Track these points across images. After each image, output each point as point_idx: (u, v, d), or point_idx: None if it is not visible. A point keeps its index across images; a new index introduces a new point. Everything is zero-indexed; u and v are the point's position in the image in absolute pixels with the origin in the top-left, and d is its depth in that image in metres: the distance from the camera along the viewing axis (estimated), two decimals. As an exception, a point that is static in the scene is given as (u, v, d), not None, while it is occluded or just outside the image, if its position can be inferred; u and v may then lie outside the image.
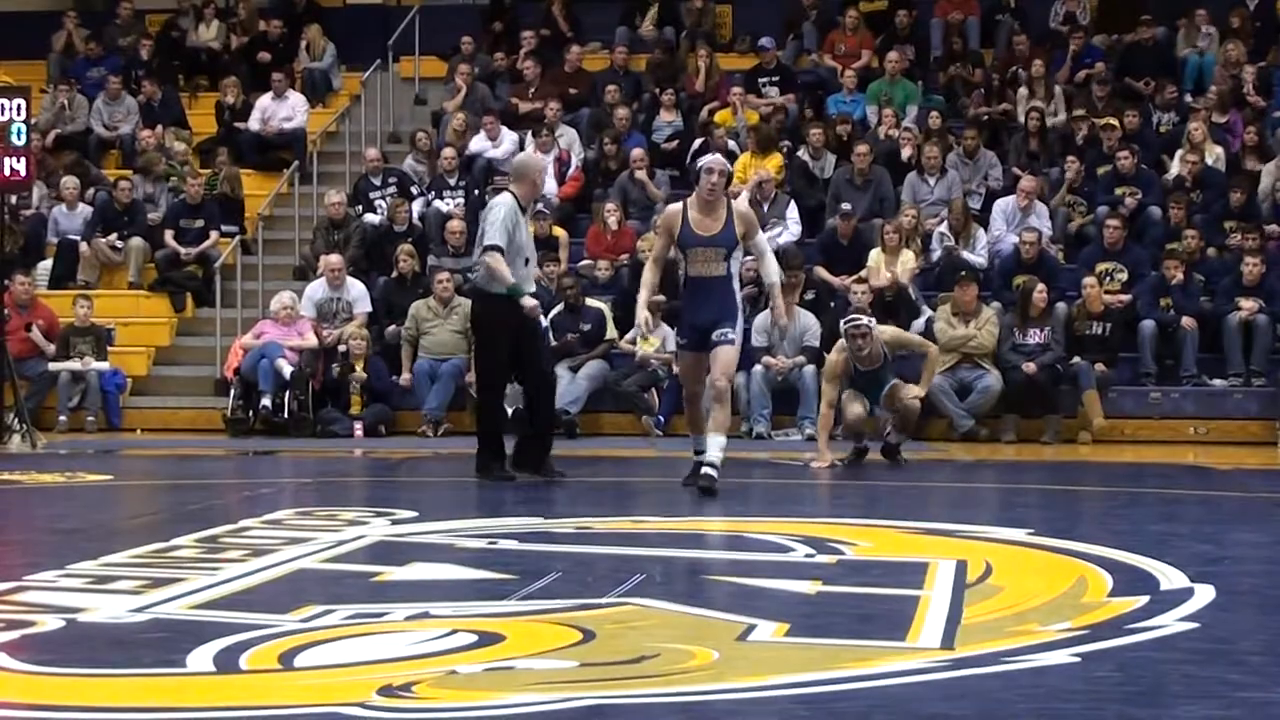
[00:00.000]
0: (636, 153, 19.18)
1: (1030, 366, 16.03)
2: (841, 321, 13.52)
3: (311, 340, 17.21)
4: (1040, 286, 16.38)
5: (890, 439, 13.64)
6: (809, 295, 17.13)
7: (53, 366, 17.43)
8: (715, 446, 10.66)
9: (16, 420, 15.51)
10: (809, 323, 16.56)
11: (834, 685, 5.19)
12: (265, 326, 17.46)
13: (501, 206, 11.62)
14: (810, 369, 16.14)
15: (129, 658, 5.64)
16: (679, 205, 11.03)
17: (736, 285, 10.95)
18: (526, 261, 11.79)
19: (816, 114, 20.54)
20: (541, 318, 11.95)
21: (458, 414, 16.87)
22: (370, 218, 19.35)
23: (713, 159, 11.08)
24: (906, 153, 19.13)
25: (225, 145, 21.17)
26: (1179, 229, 17.55)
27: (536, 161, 12.14)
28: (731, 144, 19.65)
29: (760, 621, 6.15)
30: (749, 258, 12.21)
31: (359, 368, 16.89)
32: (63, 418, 17.29)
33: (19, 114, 15.42)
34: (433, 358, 16.90)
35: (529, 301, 11.47)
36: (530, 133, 19.95)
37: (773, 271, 11.25)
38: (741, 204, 10.97)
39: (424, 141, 20.47)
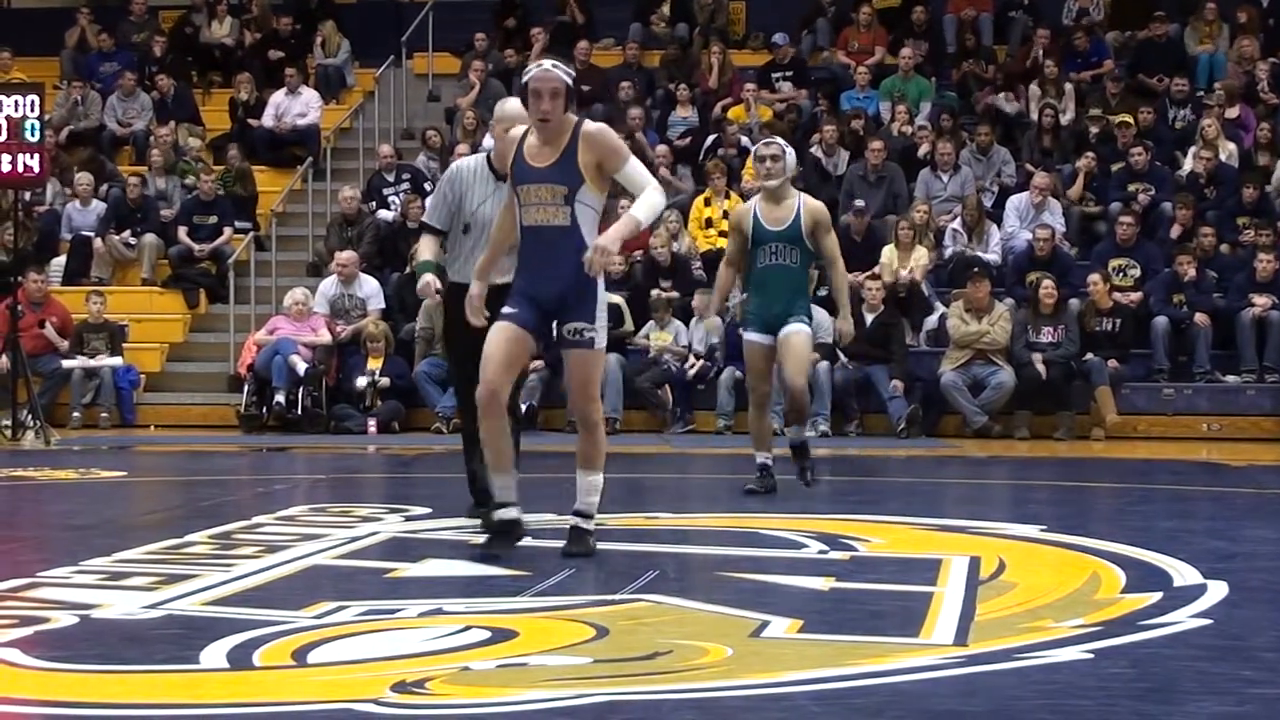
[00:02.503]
0: (661, 149, 19.22)
1: (1039, 358, 16.02)
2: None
3: (325, 336, 17.23)
4: (1047, 284, 16.37)
5: (789, 435, 11.09)
6: (821, 292, 17.11)
7: (66, 364, 17.45)
8: (588, 488, 7.84)
9: (30, 417, 15.54)
10: (822, 319, 16.53)
11: (847, 682, 5.18)
12: (279, 322, 17.48)
13: (447, 172, 9.08)
14: (824, 365, 16.16)
15: (142, 654, 5.64)
16: (520, 129, 7.82)
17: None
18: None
19: (830, 110, 20.54)
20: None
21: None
22: (384, 214, 19.38)
23: (541, 73, 7.52)
24: (924, 149, 19.11)
25: (237, 142, 21.20)
26: (1189, 230, 17.52)
27: (505, 109, 8.60)
28: (744, 139, 19.67)
29: (773, 618, 6.15)
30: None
31: (378, 366, 16.89)
32: (76, 414, 17.32)
33: (32, 110, 15.44)
34: (443, 359, 16.93)
35: (425, 279, 8.64)
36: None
37: (641, 207, 7.53)
38: (595, 128, 7.62)
39: (434, 139, 20.49)
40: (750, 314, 10.66)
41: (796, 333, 10.38)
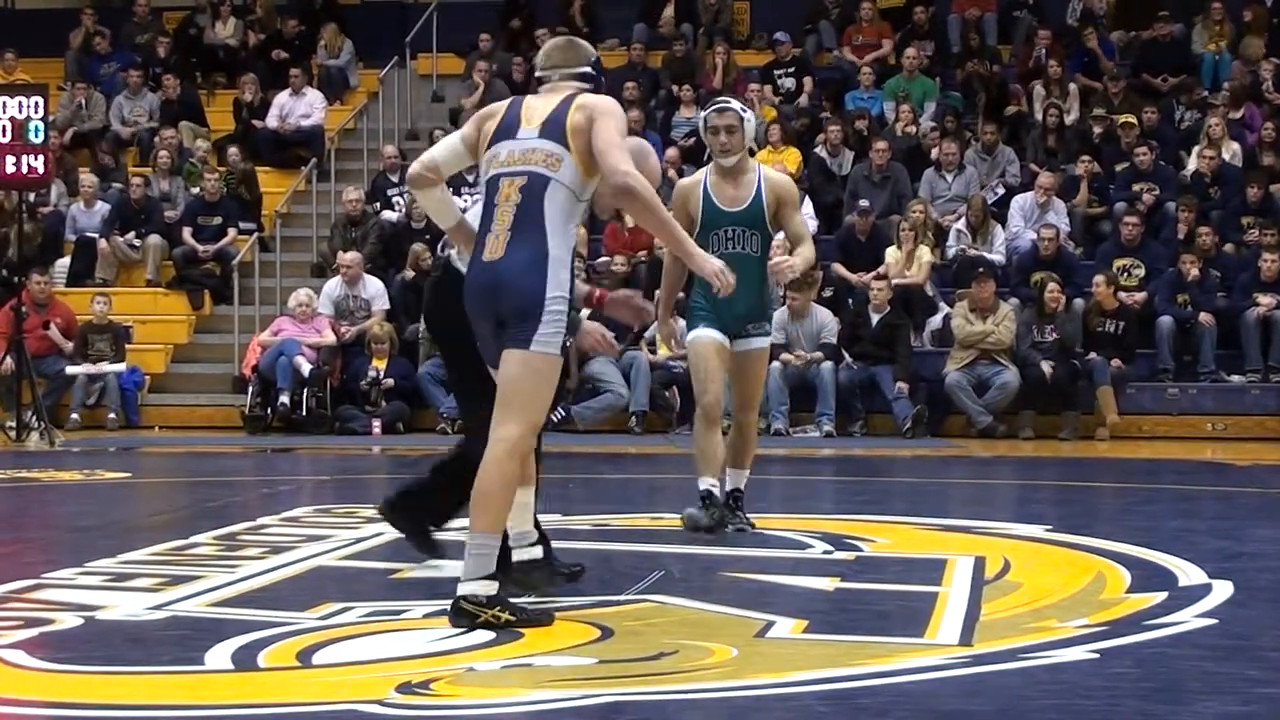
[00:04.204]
0: (671, 153, 19.20)
1: (1048, 366, 16.01)
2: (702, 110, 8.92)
3: (329, 337, 17.24)
4: (1051, 286, 16.36)
5: (730, 477, 8.81)
6: (827, 292, 17.14)
7: (69, 370, 17.41)
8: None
9: (35, 418, 15.55)
10: (826, 319, 16.56)
11: (852, 682, 5.18)
12: (283, 324, 17.48)
13: None
14: (828, 365, 16.15)
15: (147, 655, 5.65)
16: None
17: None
18: None
19: (834, 110, 20.54)
20: None
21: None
22: (388, 215, 19.38)
23: None
24: (935, 153, 19.07)
25: (241, 143, 21.19)
26: (1193, 230, 17.49)
27: None
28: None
29: (779, 618, 6.15)
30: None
31: (383, 366, 16.87)
32: (74, 416, 17.27)
33: (36, 111, 15.45)
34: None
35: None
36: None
37: None
38: None
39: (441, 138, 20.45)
40: (699, 310, 8.60)
41: (758, 351, 8.60)
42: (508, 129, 6.33)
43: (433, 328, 7.51)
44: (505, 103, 6.52)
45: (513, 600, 6.07)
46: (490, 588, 5.99)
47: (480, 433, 6.30)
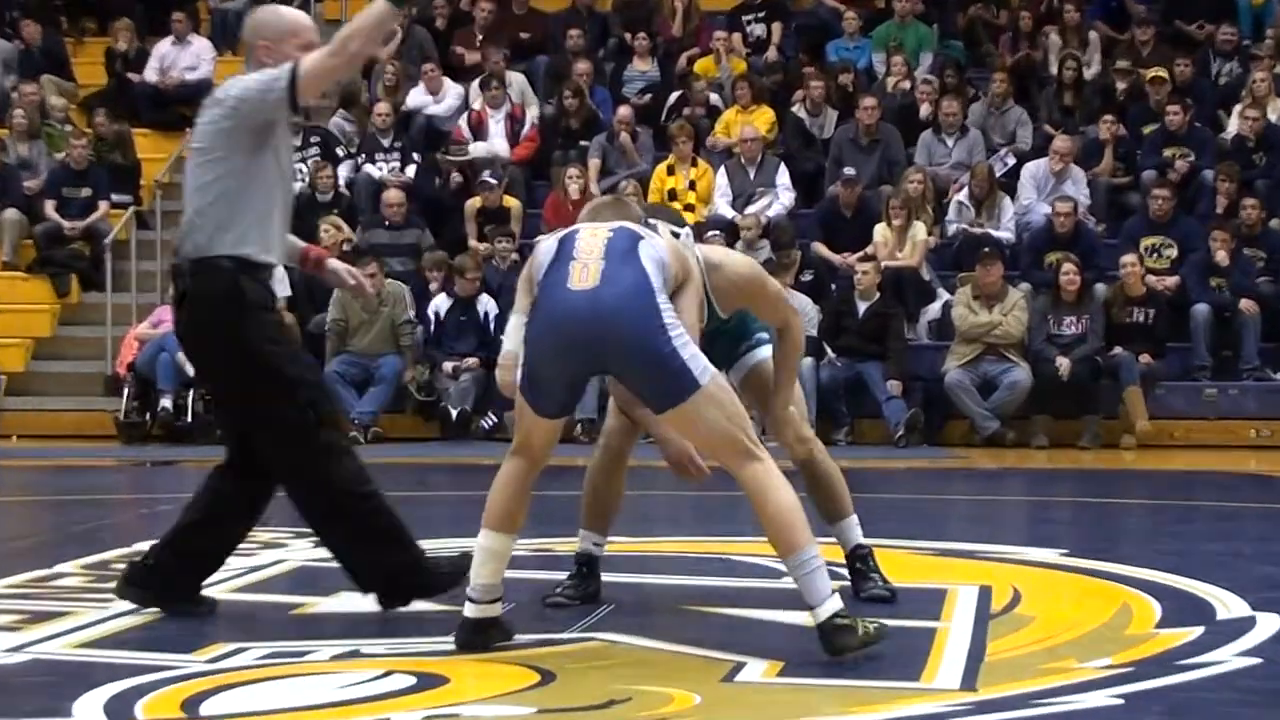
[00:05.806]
0: (623, 112, 19.15)
1: (1065, 364, 16.01)
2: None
3: (220, 330, 17.17)
4: (1068, 268, 16.36)
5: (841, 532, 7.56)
6: (806, 276, 17.16)
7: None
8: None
9: None
10: (805, 307, 16.58)
11: (835, 734, 5.21)
12: (165, 314, 17.42)
13: None
14: (808, 362, 16.15)
15: (6, 706, 5.63)
16: None
17: None
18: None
19: (814, 63, 20.51)
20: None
21: (395, 418, 16.88)
22: (289, 186, 19.31)
23: None
24: (925, 110, 19.10)
25: (113, 101, 21.08)
26: (1233, 203, 17.50)
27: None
28: (714, 97, 19.64)
29: (749, 659, 6.17)
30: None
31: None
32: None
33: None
34: (359, 357, 16.85)
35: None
36: (477, 83, 19.92)
37: None
38: None
39: (358, 91, 20.33)
40: None
41: (762, 362, 7.47)
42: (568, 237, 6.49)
43: (187, 347, 7.82)
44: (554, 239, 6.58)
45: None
46: (838, 600, 6.19)
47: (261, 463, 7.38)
